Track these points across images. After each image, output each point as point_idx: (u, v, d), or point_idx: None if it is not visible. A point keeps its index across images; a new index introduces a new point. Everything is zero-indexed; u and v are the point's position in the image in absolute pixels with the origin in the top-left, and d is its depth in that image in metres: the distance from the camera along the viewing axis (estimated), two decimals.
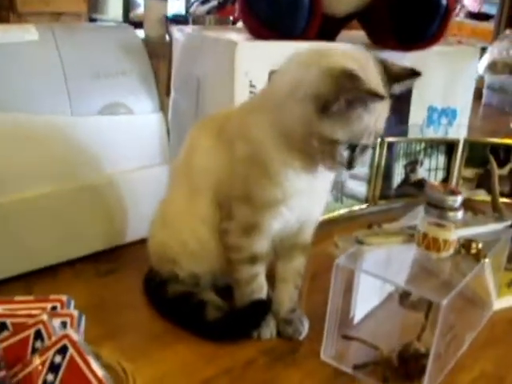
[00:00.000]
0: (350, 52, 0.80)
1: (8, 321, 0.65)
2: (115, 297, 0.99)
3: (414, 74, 0.81)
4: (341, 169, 0.81)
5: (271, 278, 0.93)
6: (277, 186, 0.82)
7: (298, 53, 0.81)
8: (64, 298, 0.71)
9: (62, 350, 0.60)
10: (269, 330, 0.90)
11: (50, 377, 0.58)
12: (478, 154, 1.42)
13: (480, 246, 0.86)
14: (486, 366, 0.88)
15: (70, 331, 0.61)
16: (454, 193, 0.98)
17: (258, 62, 1.12)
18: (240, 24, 1.46)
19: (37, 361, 0.59)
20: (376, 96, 0.73)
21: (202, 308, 0.90)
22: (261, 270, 0.90)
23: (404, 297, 1.03)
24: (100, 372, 0.59)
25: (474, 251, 0.85)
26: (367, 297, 0.95)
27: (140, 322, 0.94)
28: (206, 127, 0.93)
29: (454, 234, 0.83)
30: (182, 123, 1.27)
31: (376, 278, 0.85)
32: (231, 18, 2.91)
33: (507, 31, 2.86)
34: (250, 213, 0.85)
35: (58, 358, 0.59)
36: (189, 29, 1.35)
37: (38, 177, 0.99)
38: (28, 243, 1.00)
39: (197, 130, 0.95)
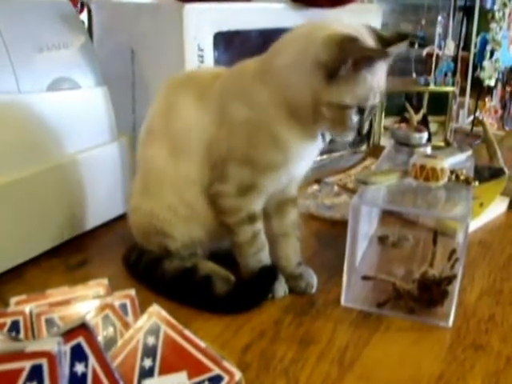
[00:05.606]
0: (347, 24, 0.80)
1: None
2: None
3: (402, 37, 0.82)
4: (351, 134, 0.81)
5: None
6: (280, 151, 0.81)
7: (298, 26, 0.81)
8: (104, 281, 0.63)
9: (153, 331, 0.53)
10: (282, 288, 0.88)
11: (148, 362, 0.51)
12: (395, 103, 1.50)
13: (465, 172, 0.91)
14: (482, 284, 0.94)
15: (155, 306, 0.54)
16: (419, 130, 1.03)
17: (204, 26, 1.08)
18: None
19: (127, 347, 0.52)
20: (382, 54, 0.76)
21: (209, 283, 0.85)
22: (261, 226, 0.87)
23: (384, 238, 1.07)
24: (202, 343, 0.53)
25: (463, 177, 0.90)
26: (361, 241, 0.97)
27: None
28: (185, 86, 0.88)
29: (446, 163, 0.88)
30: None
31: (406, 211, 0.91)
32: None
33: None
34: (248, 175, 0.83)
35: (150, 340, 0.52)
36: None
37: None
38: None
39: (173, 89, 0.89)
